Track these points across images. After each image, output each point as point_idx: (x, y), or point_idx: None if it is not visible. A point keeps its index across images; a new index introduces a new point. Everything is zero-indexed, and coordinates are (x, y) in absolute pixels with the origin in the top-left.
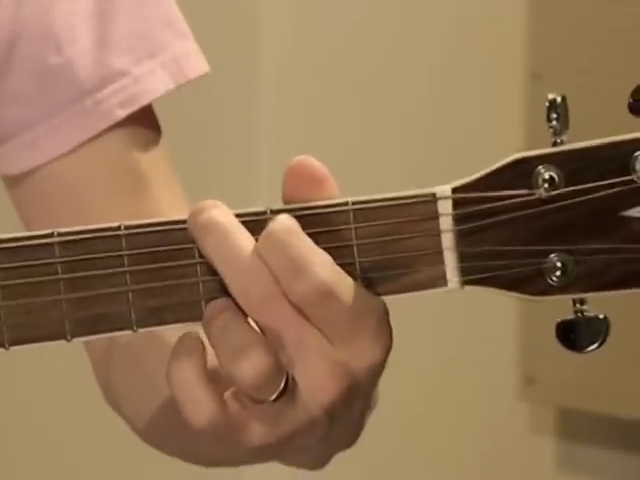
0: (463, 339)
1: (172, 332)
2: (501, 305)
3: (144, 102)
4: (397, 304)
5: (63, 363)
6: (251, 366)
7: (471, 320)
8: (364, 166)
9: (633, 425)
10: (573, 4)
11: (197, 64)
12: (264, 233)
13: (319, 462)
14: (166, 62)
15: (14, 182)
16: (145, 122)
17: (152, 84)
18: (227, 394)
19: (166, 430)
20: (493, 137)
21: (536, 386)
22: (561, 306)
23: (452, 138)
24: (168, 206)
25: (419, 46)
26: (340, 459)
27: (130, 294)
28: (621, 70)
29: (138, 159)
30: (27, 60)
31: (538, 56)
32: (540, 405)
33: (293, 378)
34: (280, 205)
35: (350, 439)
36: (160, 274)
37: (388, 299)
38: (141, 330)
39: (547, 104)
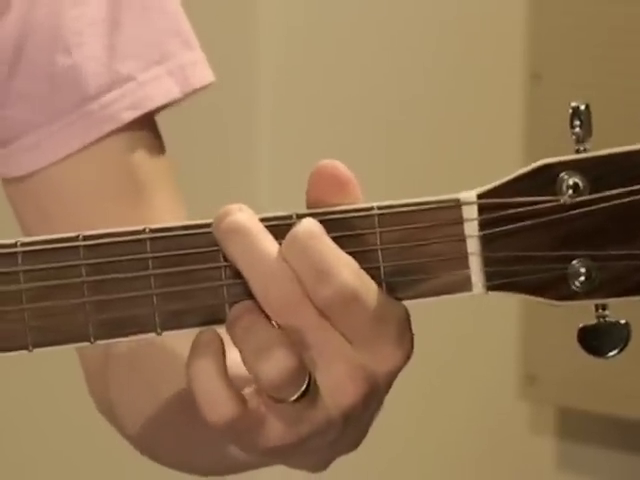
0: (464, 338)
1: (173, 339)
2: (502, 305)
3: (150, 107)
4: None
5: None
6: (275, 365)
7: (472, 319)
8: (364, 166)
9: (633, 425)
10: (573, 4)
11: (203, 74)
12: (288, 237)
13: (322, 465)
14: (173, 70)
15: (14, 185)
16: (148, 131)
17: (158, 90)
18: (247, 392)
19: (164, 437)
20: (493, 137)
21: (536, 385)
22: (561, 308)
23: (452, 138)
24: (168, 213)
25: (419, 46)
26: (340, 459)
27: (154, 297)
28: (621, 70)
29: (140, 166)
30: (35, 62)
31: (538, 56)
32: (540, 404)
33: (315, 380)
34: (306, 210)
35: (356, 442)
36: (184, 277)
37: (410, 304)
38: (165, 333)
39: (570, 111)
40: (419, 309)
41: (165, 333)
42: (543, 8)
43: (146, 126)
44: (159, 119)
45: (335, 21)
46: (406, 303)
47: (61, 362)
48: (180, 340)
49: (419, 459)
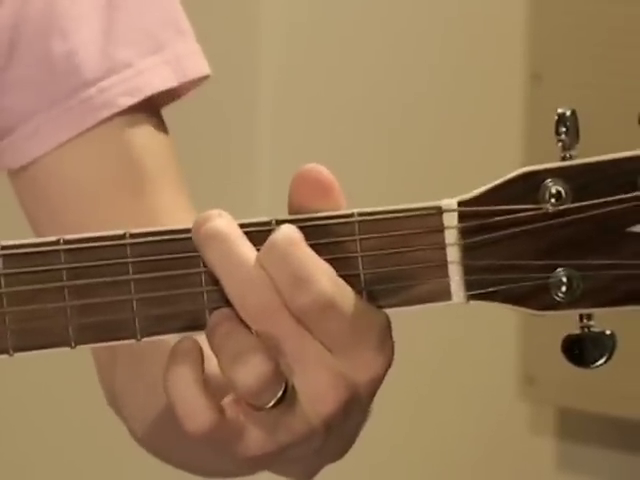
0: (463, 339)
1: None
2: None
3: (147, 93)
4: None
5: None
6: (251, 371)
7: (471, 320)
8: (364, 166)
9: (633, 425)
10: (573, 4)
11: (199, 64)
12: (266, 244)
13: (308, 473)
14: (169, 59)
15: (19, 176)
16: (150, 118)
17: (155, 78)
18: (225, 401)
19: (166, 437)
20: (493, 137)
21: (536, 386)
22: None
23: (452, 138)
24: (171, 200)
25: (419, 46)
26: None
27: (134, 302)
28: (621, 71)
29: (141, 149)
30: (32, 49)
31: (538, 57)
32: (540, 405)
33: (293, 387)
34: (285, 215)
35: (341, 451)
36: (164, 283)
37: (390, 311)
38: (145, 339)
39: (556, 117)
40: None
41: (145, 339)
42: (543, 8)
43: (147, 113)
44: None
45: (336, 21)
46: (388, 311)
47: (61, 361)
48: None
49: (419, 459)
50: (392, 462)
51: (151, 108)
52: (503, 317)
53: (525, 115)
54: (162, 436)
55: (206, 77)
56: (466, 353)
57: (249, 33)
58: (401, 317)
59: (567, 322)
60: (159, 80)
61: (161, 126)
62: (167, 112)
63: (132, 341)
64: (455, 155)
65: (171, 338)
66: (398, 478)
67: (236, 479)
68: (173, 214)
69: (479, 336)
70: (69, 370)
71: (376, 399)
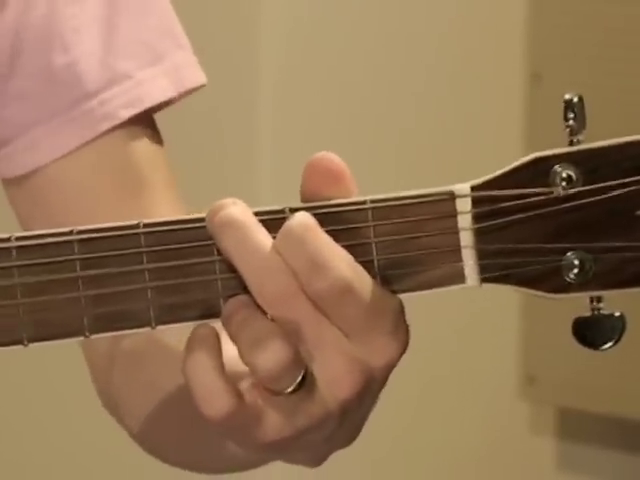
0: (463, 338)
1: (175, 336)
2: (502, 305)
3: (147, 105)
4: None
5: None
6: (271, 356)
7: (472, 320)
8: (364, 165)
9: (633, 425)
10: (573, 4)
11: (196, 75)
12: (282, 230)
13: (318, 459)
14: (167, 70)
15: (15, 185)
16: (146, 127)
17: (154, 89)
18: (243, 386)
19: (166, 435)
20: (493, 137)
21: (536, 386)
22: (561, 307)
23: (452, 138)
24: (167, 208)
25: (419, 46)
26: (339, 459)
27: (149, 291)
28: (621, 70)
29: (138, 162)
30: (33, 60)
31: (538, 56)
32: (540, 405)
33: (312, 372)
34: (299, 203)
35: (351, 437)
36: (179, 271)
37: (405, 297)
38: (160, 327)
39: (564, 104)
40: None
41: (159, 327)
42: (543, 8)
43: (144, 123)
44: (161, 118)
45: (336, 19)
46: (401, 296)
47: (61, 361)
48: (182, 339)
49: (419, 459)
50: (392, 462)
51: (147, 118)
52: (504, 317)
53: (525, 115)
54: (164, 433)
55: (202, 86)
56: (467, 353)
57: (249, 32)
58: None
59: (568, 322)
60: (158, 91)
61: (156, 136)
62: (168, 112)
63: (147, 329)
64: (455, 155)
65: (169, 338)
66: (398, 478)
67: (232, 474)
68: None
69: (480, 336)
70: (70, 369)
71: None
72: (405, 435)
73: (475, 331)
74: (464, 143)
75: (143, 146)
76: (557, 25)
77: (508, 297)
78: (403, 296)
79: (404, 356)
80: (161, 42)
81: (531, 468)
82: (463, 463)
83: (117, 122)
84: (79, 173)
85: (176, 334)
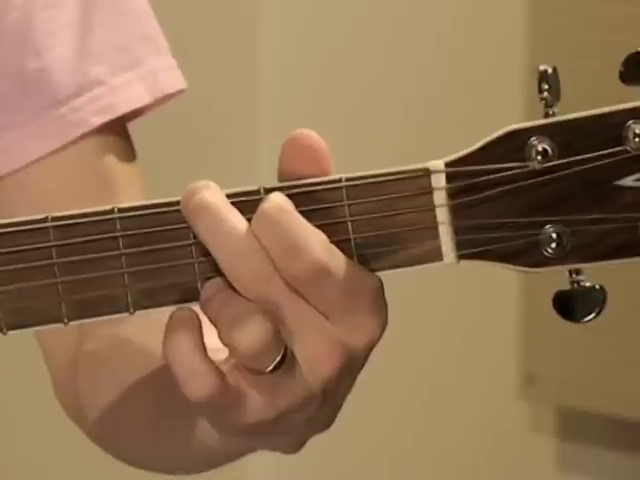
0: (463, 338)
1: (137, 332)
2: (502, 304)
3: (120, 112)
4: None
5: None
6: (250, 334)
7: (471, 319)
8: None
9: (633, 425)
10: (573, 4)
11: (174, 79)
12: (257, 213)
13: (296, 445)
14: (143, 75)
15: None
16: (119, 136)
17: (128, 95)
18: (225, 367)
19: (133, 434)
20: None
21: (536, 385)
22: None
23: (452, 138)
24: None
25: (419, 46)
26: (339, 458)
27: (125, 276)
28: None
29: (110, 169)
30: (7, 64)
31: (538, 56)
32: (540, 405)
33: (292, 351)
34: (273, 183)
35: (330, 419)
36: (155, 256)
37: (384, 276)
38: (138, 312)
39: (538, 75)
40: (419, 309)
41: (138, 312)
42: (543, 8)
43: (117, 131)
44: (160, 116)
45: (335, 19)
46: (381, 275)
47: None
48: (149, 334)
49: (419, 459)
50: (392, 462)
51: (121, 127)
52: (504, 317)
53: (525, 113)
54: (126, 432)
55: (181, 91)
56: (467, 353)
57: (249, 30)
58: (400, 318)
59: (568, 322)
60: (133, 97)
61: (129, 146)
62: (168, 109)
63: (125, 314)
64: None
65: (132, 334)
66: (398, 476)
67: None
68: None
69: (480, 336)
70: None
71: (376, 399)
72: (405, 435)
73: (475, 331)
74: (464, 143)
75: (115, 154)
76: (557, 25)
77: (508, 297)
78: (388, 274)
79: (404, 356)
80: (138, 46)
81: (531, 468)
82: (463, 463)
83: (88, 129)
84: (48, 180)
85: (139, 331)
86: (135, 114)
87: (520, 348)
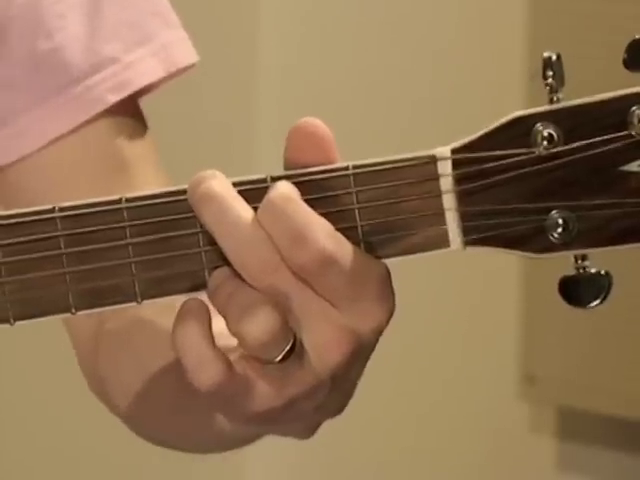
0: (463, 338)
1: (159, 314)
2: (502, 304)
3: (134, 88)
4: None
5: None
6: (259, 324)
7: (471, 319)
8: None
9: (633, 425)
10: (573, 4)
11: (186, 52)
12: (263, 202)
13: (309, 430)
14: (155, 50)
15: None
16: (132, 114)
17: (142, 71)
18: (234, 356)
19: (154, 413)
20: None
21: (536, 386)
22: (562, 306)
23: (452, 138)
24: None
25: (418, 46)
26: (339, 457)
27: (133, 265)
28: (621, 71)
29: (124, 148)
30: (17, 47)
31: (538, 56)
32: (540, 405)
33: (300, 340)
34: (280, 172)
35: (342, 405)
36: (163, 245)
37: (391, 263)
38: (145, 301)
39: (542, 62)
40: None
41: (145, 301)
42: (543, 8)
43: (130, 109)
44: (159, 109)
45: (337, 13)
46: (387, 262)
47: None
48: (170, 316)
49: (419, 459)
50: (392, 462)
51: (134, 106)
52: (504, 317)
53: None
54: (150, 413)
55: (194, 64)
56: (467, 353)
57: (249, 29)
58: (400, 317)
59: (568, 322)
60: (147, 72)
61: (141, 119)
62: (168, 106)
63: (133, 304)
64: None
65: (154, 315)
66: (398, 477)
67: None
68: None
69: (480, 336)
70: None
71: (375, 399)
72: (405, 435)
73: (475, 331)
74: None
75: (129, 132)
76: (557, 25)
77: (508, 297)
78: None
79: (404, 356)
80: (148, 22)
81: (531, 468)
82: (463, 463)
83: (105, 107)
84: (63, 161)
85: (161, 313)
86: (147, 89)
87: (520, 348)
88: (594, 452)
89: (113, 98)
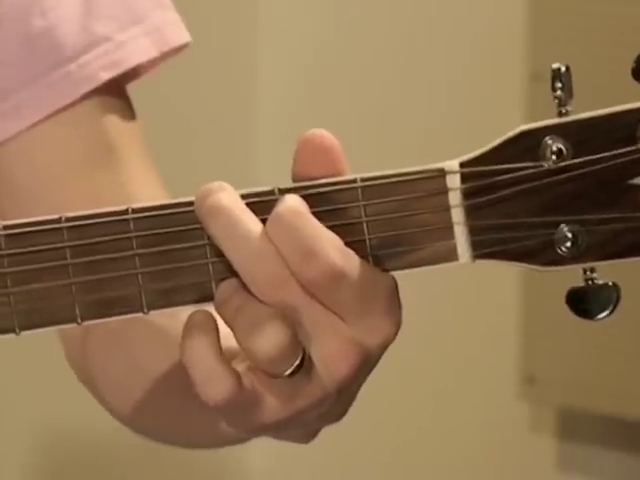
0: (463, 338)
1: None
2: (501, 304)
3: (127, 66)
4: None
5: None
6: (269, 340)
7: (471, 319)
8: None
9: (633, 425)
10: (573, 4)
11: (179, 33)
12: (271, 216)
13: (309, 436)
14: (148, 30)
15: None
16: (121, 96)
17: (135, 50)
18: (242, 370)
19: (145, 408)
20: (493, 137)
21: (536, 386)
22: (561, 306)
23: (452, 138)
24: (140, 174)
25: (419, 46)
26: (339, 457)
27: (140, 276)
28: (621, 71)
29: (112, 128)
30: (12, 26)
31: (538, 57)
32: (540, 405)
33: (309, 355)
34: (288, 183)
35: (342, 412)
36: (169, 256)
37: (398, 275)
38: (152, 312)
39: (551, 74)
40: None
41: (152, 312)
42: (543, 8)
43: (119, 92)
44: (158, 104)
45: (339, 21)
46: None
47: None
48: (164, 315)
49: (419, 459)
50: (392, 462)
51: (123, 90)
52: (504, 316)
53: (525, 114)
54: (145, 408)
55: (186, 45)
56: (467, 353)
57: (248, 27)
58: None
59: (568, 322)
60: (140, 52)
61: (129, 102)
62: (167, 104)
63: (139, 314)
64: (455, 155)
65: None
66: (398, 477)
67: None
68: (145, 188)
69: (480, 336)
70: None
71: (375, 399)
72: (405, 435)
73: (475, 331)
74: (464, 143)
75: (117, 113)
76: (557, 25)
77: (508, 297)
78: (403, 274)
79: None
80: (142, 2)
81: (531, 468)
82: (463, 463)
83: (97, 84)
84: (52, 140)
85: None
86: (136, 74)
87: (520, 348)
88: (594, 452)
89: (106, 75)
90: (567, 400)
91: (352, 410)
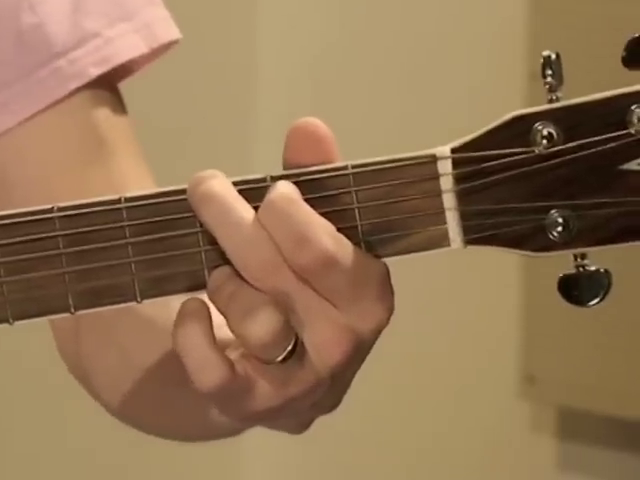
0: (463, 338)
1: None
2: (502, 304)
3: (117, 62)
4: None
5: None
6: (261, 326)
7: (471, 319)
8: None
9: (633, 425)
10: (573, 4)
11: (169, 29)
12: (264, 203)
13: (303, 426)
14: (138, 27)
15: None
16: (111, 91)
17: (124, 46)
18: (235, 357)
19: (142, 404)
20: None
21: (536, 385)
22: (561, 306)
23: (452, 138)
24: (131, 169)
25: (419, 46)
26: (338, 457)
27: (133, 265)
28: (622, 71)
29: (102, 123)
30: (2, 23)
31: (538, 57)
32: (540, 404)
33: (302, 340)
34: (280, 171)
35: (336, 401)
36: (162, 244)
37: (391, 263)
38: (145, 301)
39: (542, 61)
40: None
41: (145, 301)
42: (543, 8)
43: (110, 87)
44: (158, 104)
45: (337, 15)
46: (387, 261)
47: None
48: (153, 306)
49: (419, 459)
50: (392, 461)
51: (114, 86)
52: (504, 316)
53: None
54: (138, 400)
55: (176, 41)
56: (467, 352)
57: (248, 26)
58: (400, 316)
59: (568, 322)
60: (129, 48)
61: (122, 103)
62: (167, 103)
63: (132, 303)
64: None
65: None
66: (398, 477)
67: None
68: (137, 182)
69: (480, 336)
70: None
71: (375, 398)
72: (405, 435)
73: (475, 331)
74: (460, 134)
75: (108, 108)
76: (557, 25)
77: (509, 297)
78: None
79: (404, 356)
80: None
81: (531, 468)
82: (463, 463)
83: (87, 80)
84: (43, 135)
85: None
86: (127, 71)
87: (520, 348)
88: (594, 452)
89: (96, 71)
90: (567, 400)
91: (351, 410)
